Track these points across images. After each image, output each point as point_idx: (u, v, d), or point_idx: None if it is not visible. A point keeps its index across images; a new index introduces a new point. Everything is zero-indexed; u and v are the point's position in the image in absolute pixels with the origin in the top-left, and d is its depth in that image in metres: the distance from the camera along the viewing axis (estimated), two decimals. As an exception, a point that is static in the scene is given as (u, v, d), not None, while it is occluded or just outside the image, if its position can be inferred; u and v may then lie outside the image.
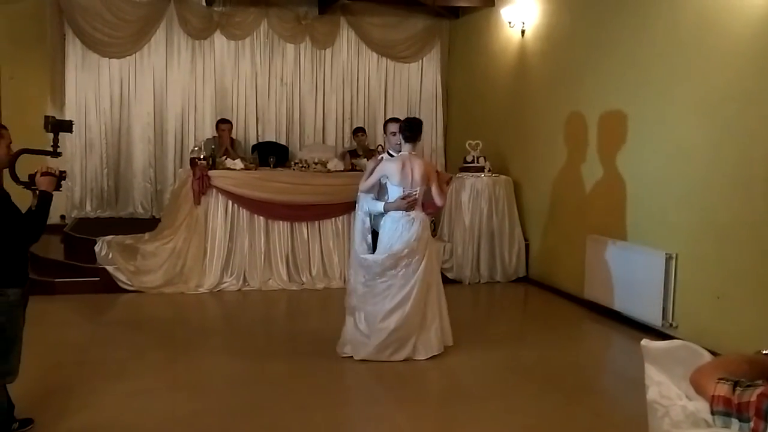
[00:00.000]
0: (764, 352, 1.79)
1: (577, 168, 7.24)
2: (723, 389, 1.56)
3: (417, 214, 5.23)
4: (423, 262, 5.16)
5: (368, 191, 5.37)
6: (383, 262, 5.12)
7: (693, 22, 5.70)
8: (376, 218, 5.40)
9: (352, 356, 5.25)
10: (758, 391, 1.50)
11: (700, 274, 5.61)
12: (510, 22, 8.46)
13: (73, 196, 9.56)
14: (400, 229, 5.17)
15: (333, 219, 7.81)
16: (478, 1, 9.27)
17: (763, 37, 5.05)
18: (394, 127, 5.54)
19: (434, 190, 5.26)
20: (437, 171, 5.51)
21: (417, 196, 5.22)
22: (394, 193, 5.23)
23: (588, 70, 7.09)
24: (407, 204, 5.18)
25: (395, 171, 5.19)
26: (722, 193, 5.39)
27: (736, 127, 5.25)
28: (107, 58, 9.56)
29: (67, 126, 3.85)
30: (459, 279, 7.99)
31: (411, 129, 5.28)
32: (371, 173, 5.33)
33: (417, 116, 10.45)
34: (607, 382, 5.14)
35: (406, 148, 5.28)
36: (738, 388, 1.54)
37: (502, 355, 5.55)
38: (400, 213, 5.19)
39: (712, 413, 1.56)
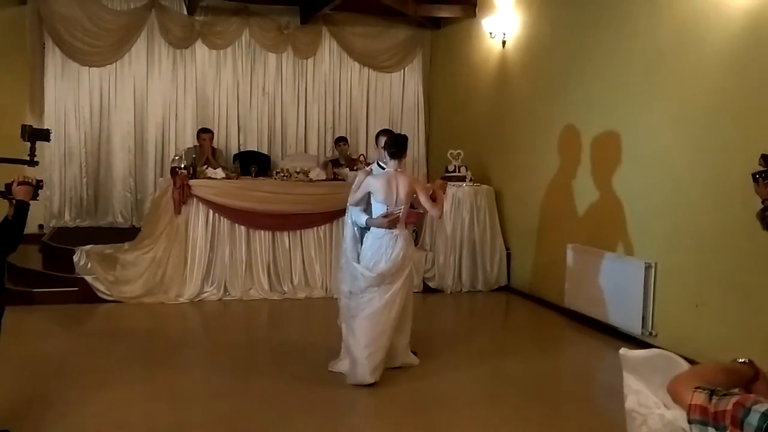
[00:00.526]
0: (740, 360, 1.81)
1: (558, 178, 7.30)
2: (700, 398, 1.57)
3: (400, 232, 5.11)
4: (403, 277, 5.10)
5: (356, 204, 5.27)
6: (370, 280, 5.00)
7: (671, 34, 5.77)
8: (362, 230, 5.33)
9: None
10: (734, 399, 1.51)
11: (679, 282, 5.66)
12: (491, 33, 8.52)
13: (51, 206, 9.47)
14: (384, 247, 5.05)
15: (315, 228, 7.79)
16: (459, 12, 9.33)
17: (739, 48, 5.13)
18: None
19: (426, 203, 5.13)
20: (433, 181, 5.52)
21: (400, 214, 5.10)
22: (378, 209, 5.13)
23: (568, 81, 7.16)
24: (389, 222, 5.07)
25: (380, 188, 5.08)
26: (701, 202, 5.45)
27: (714, 137, 5.32)
28: (87, 67, 9.50)
29: (44, 135, 3.81)
30: (441, 288, 8.00)
31: (396, 145, 5.18)
32: (359, 186, 5.22)
33: (399, 126, 10.61)
34: (587, 390, 5.16)
35: (392, 164, 5.17)
36: (714, 396, 1.55)
37: (483, 364, 5.55)
38: (383, 230, 5.09)
39: (689, 422, 1.57)
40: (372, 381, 4.89)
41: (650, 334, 5.88)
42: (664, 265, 5.80)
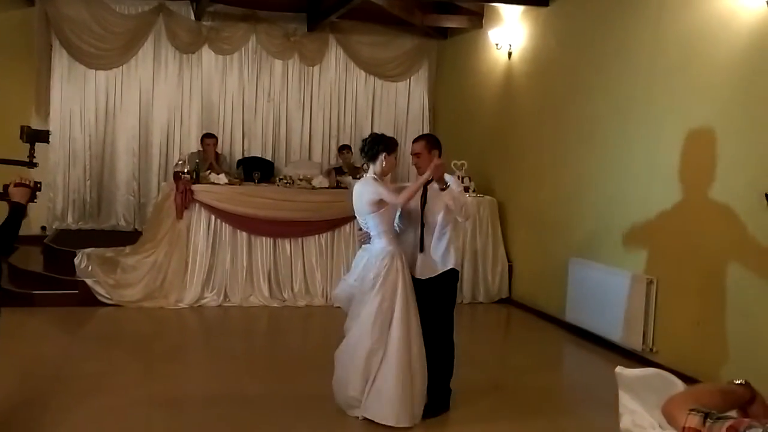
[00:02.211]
0: (737, 382, 1.78)
1: (562, 190, 7.28)
2: (694, 420, 1.54)
3: (369, 247, 4.59)
4: (375, 302, 4.42)
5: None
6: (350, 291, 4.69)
7: (677, 49, 5.76)
8: None
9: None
10: (728, 424, 1.49)
11: (681, 299, 5.63)
12: (497, 44, 8.52)
13: (54, 208, 9.47)
14: (357, 266, 4.72)
15: (316, 236, 7.78)
16: (466, 23, 9.33)
17: (744, 63, 5.11)
18: (412, 148, 4.78)
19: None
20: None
21: (363, 228, 4.65)
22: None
23: (573, 94, 7.15)
24: (360, 237, 4.79)
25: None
26: (705, 219, 5.42)
27: (719, 153, 5.30)
28: (94, 70, 9.52)
29: (43, 136, 3.79)
30: (441, 299, 7.96)
31: (363, 147, 4.67)
32: None
33: (404, 135, 10.59)
34: (586, 406, 5.12)
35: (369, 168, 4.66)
36: (708, 420, 1.53)
37: (481, 376, 5.52)
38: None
39: (683, 444, 1.55)
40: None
41: (651, 350, 5.84)
42: (666, 281, 5.77)
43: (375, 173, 4.56)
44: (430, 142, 4.71)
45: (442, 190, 4.41)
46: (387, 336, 4.41)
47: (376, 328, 4.41)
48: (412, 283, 4.51)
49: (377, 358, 4.41)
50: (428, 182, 4.49)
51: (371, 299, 4.43)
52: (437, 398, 4.63)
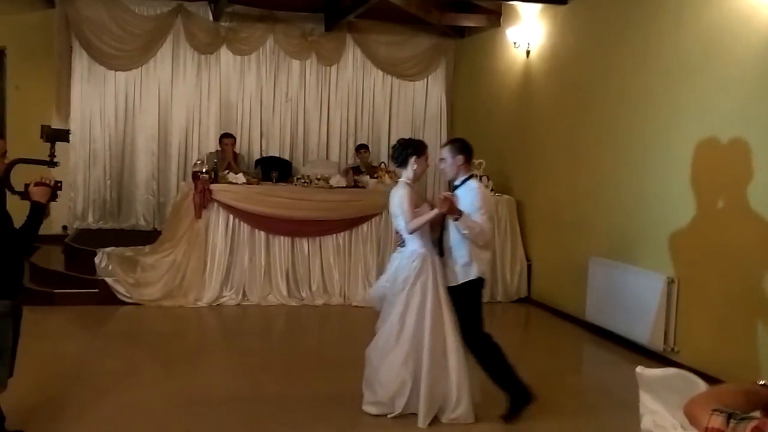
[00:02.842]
0: (761, 383, 1.75)
1: (581, 189, 7.22)
2: (717, 421, 1.52)
3: (403, 249, 4.64)
4: (403, 304, 4.47)
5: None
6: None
7: (697, 47, 5.69)
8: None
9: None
10: (752, 424, 1.46)
11: (703, 299, 5.56)
12: (515, 43, 8.47)
13: (75, 207, 9.55)
14: (392, 262, 4.78)
15: (334, 235, 7.78)
16: (483, 22, 9.29)
17: (765, 61, 5.04)
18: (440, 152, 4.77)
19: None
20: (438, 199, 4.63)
21: (398, 230, 4.70)
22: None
23: (592, 92, 7.09)
24: (397, 239, 4.86)
25: None
26: (726, 217, 5.35)
27: (740, 152, 5.22)
28: (113, 71, 9.60)
29: (63, 135, 3.83)
30: (460, 298, 7.93)
31: (393, 154, 4.75)
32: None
33: (422, 135, 10.57)
34: (606, 406, 5.07)
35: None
36: (732, 420, 1.50)
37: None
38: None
39: (706, 445, 1.52)
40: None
41: (672, 350, 5.78)
42: (688, 280, 5.70)
43: (408, 178, 4.60)
44: (455, 147, 4.61)
45: (456, 220, 4.35)
46: (421, 336, 4.40)
47: (404, 329, 4.42)
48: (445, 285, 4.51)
49: (408, 359, 4.41)
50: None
51: (400, 301, 4.46)
52: (511, 396, 4.58)
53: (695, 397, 1.69)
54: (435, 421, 4.45)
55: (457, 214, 4.32)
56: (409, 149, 4.59)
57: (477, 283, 4.54)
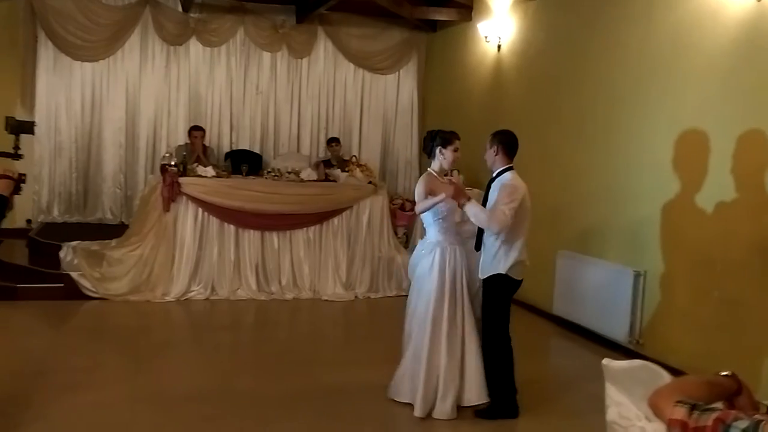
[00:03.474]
0: (724, 373, 1.77)
1: (550, 183, 7.25)
2: (680, 412, 1.52)
3: (424, 239, 4.77)
4: (419, 293, 4.61)
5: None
6: None
7: (666, 42, 5.75)
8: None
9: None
10: (714, 415, 1.47)
11: (668, 292, 5.63)
12: (486, 37, 8.49)
13: (40, 200, 9.39)
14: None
15: (304, 229, 7.74)
16: (455, 15, 9.30)
17: (733, 56, 5.11)
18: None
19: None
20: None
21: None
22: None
23: (563, 87, 7.13)
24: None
25: None
26: (693, 211, 5.42)
27: (707, 145, 5.29)
28: (80, 62, 9.43)
29: (28, 127, 3.75)
30: (430, 292, 7.94)
31: (423, 146, 4.86)
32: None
33: (393, 128, 10.59)
34: (572, 399, 5.12)
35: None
36: (695, 411, 1.51)
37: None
38: None
39: (669, 437, 1.53)
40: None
41: (638, 343, 5.85)
42: (654, 274, 5.77)
43: (434, 169, 4.68)
44: (494, 138, 4.66)
45: (461, 207, 4.39)
46: (438, 326, 4.47)
47: (414, 320, 4.56)
48: (464, 275, 4.56)
49: (421, 348, 4.49)
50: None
51: (416, 291, 4.61)
52: (495, 401, 4.56)
53: (659, 388, 1.70)
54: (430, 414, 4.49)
55: (463, 199, 4.33)
56: (435, 140, 4.69)
57: (502, 279, 4.48)
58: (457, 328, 4.53)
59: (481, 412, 4.56)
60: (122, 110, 9.64)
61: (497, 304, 4.54)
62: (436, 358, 4.47)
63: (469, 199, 4.36)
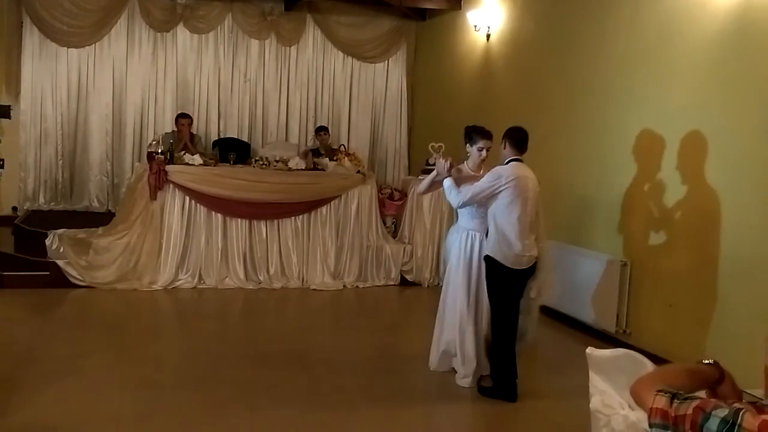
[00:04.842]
0: (706, 361, 1.78)
1: (537, 172, 7.22)
2: (661, 401, 1.54)
3: (455, 225, 5.28)
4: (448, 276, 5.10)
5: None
6: None
7: (654, 32, 5.76)
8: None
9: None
10: (694, 404, 1.49)
11: (653, 281, 5.67)
12: (476, 26, 8.48)
13: (26, 188, 9.32)
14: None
15: (292, 218, 7.72)
16: (444, 4, 9.28)
17: (720, 47, 5.12)
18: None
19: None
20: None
21: None
22: None
23: (550, 77, 7.13)
24: None
25: None
26: (678, 202, 5.45)
27: (693, 135, 5.32)
28: (66, 48, 9.34)
29: (4, 111, 3.71)
30: (418, 281, 7.96)
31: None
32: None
33: (382, 117, 10.58)
34: (557, 387, 5.15)
35: None
36: (676, 400, 1.53)
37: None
38: None
39: (650, 426, 1.55)
40: None
41: (624, 332, 5.89)
42: (639, 263, 5.80)
43: (467, 162, 5.04)
44: (505, 132, 5.01)
45: (440, 181, 4.89)
46: (463, 309, 4.86)
47: (447, 302, 4.98)
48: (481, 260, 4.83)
49: (452, 329, 4.94)
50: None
51: (447, 274, 5.02)
52: (497, 382, 4.73)
53: (641, 377, 1.71)
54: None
55: (443, 176, 4.84)
56: (466, 136, 5.04)
57: (491, 262, 4.70)
58: (480, 305, 4.84)
59: (483, 389, 4.72)
60: (109, 97, 9.57)
61: (493, 286, 4.74)
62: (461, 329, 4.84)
63: (449, 176, 4.82)
